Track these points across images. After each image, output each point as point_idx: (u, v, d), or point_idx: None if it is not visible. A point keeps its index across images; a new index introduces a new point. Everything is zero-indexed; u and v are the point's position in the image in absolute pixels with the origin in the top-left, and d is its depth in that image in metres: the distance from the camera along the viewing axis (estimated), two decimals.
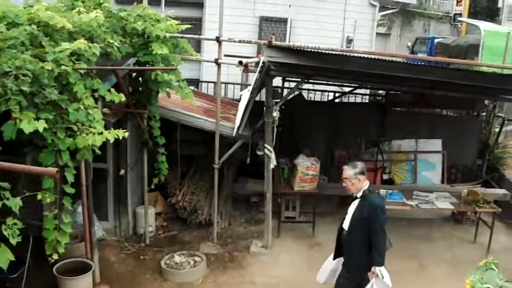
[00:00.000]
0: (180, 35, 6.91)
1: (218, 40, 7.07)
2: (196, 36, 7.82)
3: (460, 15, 21.89)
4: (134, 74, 7.01)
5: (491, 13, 24.26)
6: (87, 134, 4.57)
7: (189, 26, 7.05)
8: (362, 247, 5.20)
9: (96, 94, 5.37)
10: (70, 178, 4.71)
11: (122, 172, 7.52)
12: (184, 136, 8.23)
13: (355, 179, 5.14)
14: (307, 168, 8.07)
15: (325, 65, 6.39)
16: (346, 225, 5.38)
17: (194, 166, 9.32)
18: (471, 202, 7.98)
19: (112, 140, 4.74)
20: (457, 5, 22.46)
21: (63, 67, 4.61)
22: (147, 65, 6.39)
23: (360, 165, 5.24)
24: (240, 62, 6.07)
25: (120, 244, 7.69)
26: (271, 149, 7.22)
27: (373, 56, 6.35)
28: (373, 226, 5.07)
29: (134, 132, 7.45)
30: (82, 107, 4.68)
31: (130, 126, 7.31)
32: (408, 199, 8.05)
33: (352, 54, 6.26)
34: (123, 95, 5.46)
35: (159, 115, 7.27)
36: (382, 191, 8.13)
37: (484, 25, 15.20)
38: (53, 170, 3.26)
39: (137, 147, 7.75)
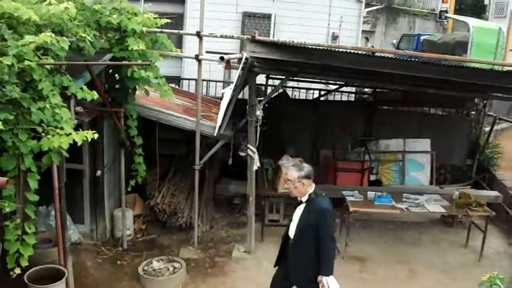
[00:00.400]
0: (159, 29, 6.55)
1: (198, 35, 6.71)
2: (175, 31, 7.45)
3: (446, 12, 21.83)
4: (110, 71, 6.62)
5: (477, 10, 24.22)
6: (53, 136, 4.17)
7: (169, 20, 6.68)
8: (309, 255, 4.82)
9: (68, 92, 5.00)
10: (34, 184, 4.32)
11: (98, 173, 7.21)
12: (165, 135, 7.89)
13: (299, 182, 4.75)
14: None
15: (312, 61, 6.05)
16: (291, 232, 4.98)
17: (174, 166, 8.98)
18: (464, 205, 7.71)
19: (80, 142, 4.35)
20: (443, 2, 22.38)
21: (26, 62, 4.20)
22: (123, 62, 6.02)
23: (306, 168, 4.84)
24: (222, 58, 5.72)
25: (96, 248, 7.38)
26: (255, 149, 6.88)
27: (363, 52, 6.03)
28: (321, 232, 4.69)
29: (111, 132, 7.19)
30: (48, 106, 4.28)
31: (107, 126, 7.07)
32: (397, 202, 7.74)
33: (340, 50, 5.93)
34: (95, 93, 5.08)
35: (137, 113, 6.97)
36: (371, 194, 7.83)
37: (473, 22, 15.09)
38: (2, 180, 2.86)
39: (114, 147, 7.46)
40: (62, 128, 4.33)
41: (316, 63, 5.99)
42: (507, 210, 9.25)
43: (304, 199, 4.84)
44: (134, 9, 6.32)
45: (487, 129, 10.88)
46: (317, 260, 4.78)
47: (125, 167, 7.30)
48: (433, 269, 7.48)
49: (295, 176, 4.75)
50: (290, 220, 5.02)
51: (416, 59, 6.33)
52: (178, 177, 8.72)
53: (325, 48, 6.31)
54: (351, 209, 7.41)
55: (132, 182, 7.17)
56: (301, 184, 4.75)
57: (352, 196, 7.86)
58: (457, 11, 22.51)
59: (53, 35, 4.58)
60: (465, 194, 7.91)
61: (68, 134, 4.29)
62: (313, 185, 4.85)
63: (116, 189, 7.72)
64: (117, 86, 6.51)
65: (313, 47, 6.18)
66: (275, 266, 5.38)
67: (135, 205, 8.23)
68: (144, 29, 6.06)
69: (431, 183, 10.33)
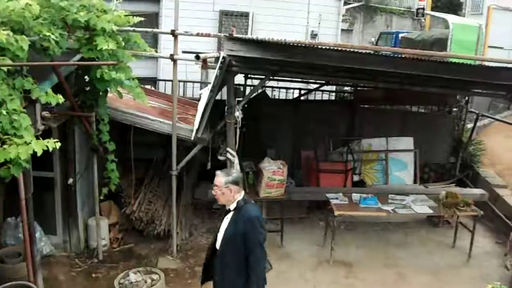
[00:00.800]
0: (132, 28, 6.19)
1: (173, 33, 6.38)
2: (149, 30, 7.08)
3: (423, 9, 21.74)
4: (80, 72, 6.24)
5: (453, 7, 24.22)
6: (9, 145, 3.77)
7: (142, 19, 6.33)
8: (237, 268, 4.42)
9: (32, 96, 4.63)
10: None
11: (70, 181, 6.89)
12: (141, 139, 7.56)
13: (226, 188, 4.37)
14: (273, 172, 7.44)
15: (293, 59, 5.75)
16: (218, 243, 4.56)
17: (151, 171, 8.61)
18: (451, 205, 7.52)
19: (40, 152, 3.96)
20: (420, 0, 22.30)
21: None
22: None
23: (235, 174, 4.53)
24: (198, 57, 5.37)
25: (70, 261, 7.02)
26: (234, 153, 6.56)
27: (347, 49, 5.75)
28: (250, 242, 4.29)
29: (84, 137, 6.85)
30: (4, 112, 3.88)
31: (79, 130, 6.74)
32: (383, 203, 7.51)
33: (323, 47, 5.64)
34: (61, 97, 4.69)
35: (110, 117, 6.58)
36: (356, 196, 7.58)
37: (452, 19, 15.02)
38: None
39: (87, 153, 7.08)
40: (21, 137, 3.93)
41: (298, 61, 5.69)
42: (493, 208, 9.11)
43: (232, 207, 4.44)
44: (103, 7, 5.93)
45: (470, 125, 10.75)
46: (245, 272, 4.38)
47: (99, 173, 6.94)
48: (422, 272, 7.29)
49: (222, 181, 4.38)
50: (217, 231, 4.60)
51: (401, 56, 6.08)
52: (155, 182, 8.36)
53: (308, 45, 6.01)
54: (336, 212, 7.16)
55: (105, 190, 6.79)
56: (229, 190, 4.38)
57: (337, 198, 7.62)
58: (434, 8, 22.45)
59: (10, 33, 4.19)
60: (452, 194, 7.73)
61: (29, 143, 3.90)
62: (242, 192, 4.47)
63: (90, 197, 7.37)
64: (87, 88, 6.12)
65: (295, 44, 5.89)
66: (201, 284, 4.96)
67: (110, 214, 7.88)
68: (115, 27, 5.68)
69: (415, 182, 10.18)
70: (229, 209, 4.47)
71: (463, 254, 7.81)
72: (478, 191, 9.24)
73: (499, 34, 14.37)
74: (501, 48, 14.77)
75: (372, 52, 5.85)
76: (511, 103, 13.67)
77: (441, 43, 15.22)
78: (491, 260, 7.86)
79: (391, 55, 5.89)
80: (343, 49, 5.71)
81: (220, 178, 4.40)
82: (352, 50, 5.64)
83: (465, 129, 10.61)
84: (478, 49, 12.46)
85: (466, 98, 10.33)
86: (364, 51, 5.94)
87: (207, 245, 7.74)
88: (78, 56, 5.97)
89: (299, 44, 5.88)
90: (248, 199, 4.50)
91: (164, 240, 7.62)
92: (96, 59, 5.58)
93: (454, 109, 10.61)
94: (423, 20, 22.23)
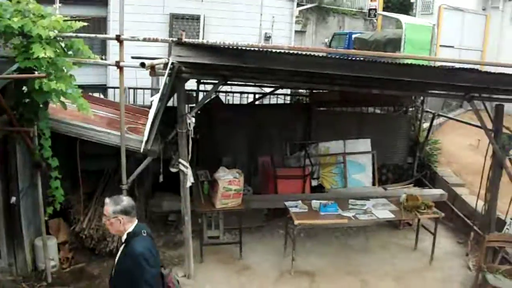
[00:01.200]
0: (74, 34, 5.79)
1: (118, 39, 5.99)
2: (92, 35, 6.64)
3: (375, 10, 21.95)
4: (17, 83, 5.78)
5: (404, 8, 24.57)
6: None
7: (85, 24, 5.93)
8: None
9: None
10: None
11: (13, 200, 6.41)
12: (91, 149, 7.17)
13: (115, 218, 3.97)
14: (229, 182, 7.14)
15: (246, 64, 5.47)
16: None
17: (102, 184, 8.20)
18: (412, 209, 7.41)
19: None
20: (371, 0, 22.49)
21: None
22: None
23: (124, 202, 4.06)
24: (143, 64, 5.01)
25: (16, 285, 6.55)
26: (187, 164, 6.23)
27: (303, 52, 5.50)
28: (133, 281, 3.85)
29: (27, 152, 6.37)
30: None
31: (21, 146, 6.27)
32: (344, 209, 7.32)
33: (278, 51, 5.38)
34: None
35: (54, 130, 6.19)
36: (315, 203, 7.37)
37: (405, 19, 15.16)
38: None
39: (30, 170, 6.63)
40: None
41: (252, 66, 5.41)
42: (452, 208, 9.10)
43: (123, 238, 4.06)
44: (41, 11, 5.51)
45: (425, 125, 10.76)
46: None
47: (44, 190, 6.48)
48: (386, 278, 7.18)
49: (109, 211, 3.98)
50: (114, 262, 4.22)
51: (360, 59, 5.88)
52: (107, 195, 7.90)
53: (261, 49, 5.74)
54: (296, 222, 6.93)
55: (50, 210, 6.35)
56: (117, 220, 3.97)
57: (296, 206, 7.40)
58: (385, 9, 22.70)
59: None
60: (412, 197, 7.63)
61: None
62: (134, 222, 4.07)
63: (36, 215, 6.89)
64: (26, 101, 5.67)
65: (247, 48, 5.61)
66: None
67: (59, 232, 7.44)
68: (52, 33, 5.27)
69: (373, 184, 10.11)
70: (122, 240, 4.08)
71: (425, 256, 7.75)
72: (437, 191, 9.23)
73: (450, 33, 14.55)
74: (452, 47, 14.95)
75: (330, 55, 5.65)
76: (465, 102, 13.80)
77: (394, 43, 15.32)
78: (454, 261, 7.83)
79: (347, 57, 5.69)
80: (298, 52, 5.47)
81: (108, 207, 4.00)
82: (309, 53, 5.39)
83: (421, 129, 10.59)
84: (433, 49, 12.53)
85: (422, 98, 10.31)
86: (320, 54, 5.73)
87: (164, 260, 7.44)
88: (15, 66, 5.54)
89: (252, 48, 5.60)
90: (139, 230, 4.05)
91: None
92: (34, 68, 5.18)
93: (410, 109, 10.57)
94: (375, 21, 22.44)
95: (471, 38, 15.87)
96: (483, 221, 7.67)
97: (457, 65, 6.05)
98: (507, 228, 7.06)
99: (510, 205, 7.36)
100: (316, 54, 5.36)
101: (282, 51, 5.46)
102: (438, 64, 7.31)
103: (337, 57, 5.41)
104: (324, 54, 5.83)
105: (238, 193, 7.26)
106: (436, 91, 7.05)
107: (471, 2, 17.63)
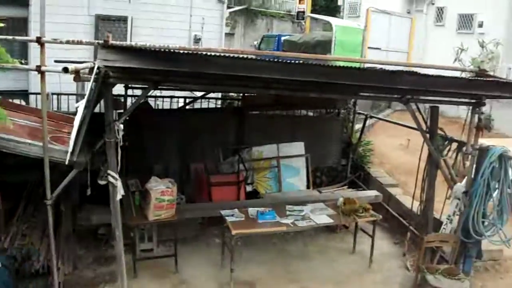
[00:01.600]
0: None
1: (39, 41, 5.48)
2: (10, 37, 6.08)
3: (303, 12, 22.16)
4: None
5: (330, 11, 24.98)
6: None
7: (2, 25, 5.40)
8: None
9: None
10: None
11: None
12: (12, 160, 6.49)
13: None
14: (162, 193, 6.75)
15: (179, 68, 5.13)
16: None
17: (25, 198, 7.58)
18: (350, 212, 7.33)
19: None
20: (299, 3, 22.70)
21: None
22: None
23: None
24: (66, 69, 4.57)
25: None
26: (117, 176, 5.80)
27: (240, 55, 5.24)
28: None
29: None
30: None
31: None
32: (282, 216, 7.11)
33: (212, 53, 5.08)
34: None
35: None
36: (252, 211, 7.13)
37: (335, 21, 15.33)
38: None
39: None
40: None
41: (183, 70, 5.09)
42: (387, 208, 9.16)
43: None
44: None
45: (358, 126, 10.81)
46: None
47: None
48: (327, 283, 7.07)
49: None
50: None
51: (292, 61, 5.69)
52: (31, 210, 7.33)
53: (193, 52, 5.43)
54: (234, 232, 6.62)
55: None
56: None
57: (233, 215, 7.09)
58: (312, 12, 22.97)
59: None
60: (349, 200, 7.57)
61: None
62: None
63: None
64: None
65: (180, 51, 5.29)
66: None
67: None
68: None
69: (308, 187, 10.01)
70: None
71: (364, 259, 7.72)
72: (372, 192, 9.27)
73: (377, 35, 14.82)
74: (379, 49, 15.25)
75: (263, 57, 5.42)
76: (393, 103, 14.07)
77: (323, 45, 15.49)
78: (391, 262, 7.85)
79: (281, 60, 5.48)
80: (234, 55, 5.21)
81: None
82: (246, 57, 5.13)
83: (353, 130, 10.62)
84: (357, 51, 12.69)
85: (354, 100, 10.33)
86: (254, 56, 5.49)
87: (96, 278, 6.97)
88: None
89: (185, 51, 5.28)
90: None
91: (45, 277, 6.56)
92: None
93: (343, 111, 10.57)
94: (303, 23, 22.64)
95: (398, 40, 16.27)
96: (419, 221, 7.71)
97: (388, 67, 5.98)
98: (443, 228, 7.11)
99: (444, 205, 7.44)
100: (253, 57, 5.11)
101: (217, 54, 5.17)
102: (367, 66, 7.24)
103: (272, 60, 5.12)
104: (259, 57, 5.58)
105: (172, 203, 6.88)
106: (373, 94, 6.98)
107: (396, 5, 18.19)
